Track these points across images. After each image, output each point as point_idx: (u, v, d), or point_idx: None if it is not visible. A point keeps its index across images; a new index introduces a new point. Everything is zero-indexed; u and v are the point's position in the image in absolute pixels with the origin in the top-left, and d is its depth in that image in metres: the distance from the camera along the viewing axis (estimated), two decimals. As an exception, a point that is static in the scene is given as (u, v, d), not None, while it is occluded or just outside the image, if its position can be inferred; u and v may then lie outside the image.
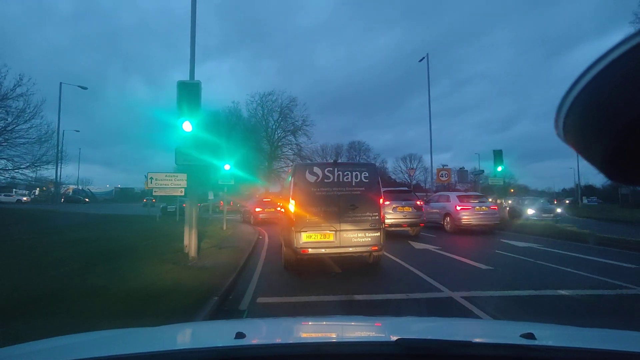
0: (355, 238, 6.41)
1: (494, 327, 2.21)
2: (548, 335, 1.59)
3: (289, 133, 47.55)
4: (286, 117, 46.79)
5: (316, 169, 6.63)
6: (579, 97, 0.49)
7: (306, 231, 6.32)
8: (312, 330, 1.88)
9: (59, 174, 24.82)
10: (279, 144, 48.42)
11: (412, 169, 27.49)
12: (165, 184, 15.00)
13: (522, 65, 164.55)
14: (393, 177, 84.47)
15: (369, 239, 6.46)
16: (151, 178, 14.71)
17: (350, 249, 6.43)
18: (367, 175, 6.70)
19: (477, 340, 1.44)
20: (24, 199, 48.56)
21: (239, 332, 1.32)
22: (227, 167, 13.77)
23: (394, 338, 1.20)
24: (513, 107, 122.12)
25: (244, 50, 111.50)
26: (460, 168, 28.55)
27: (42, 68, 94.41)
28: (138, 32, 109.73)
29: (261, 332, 1.80)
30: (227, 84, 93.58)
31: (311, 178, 6.54)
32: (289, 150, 48.83)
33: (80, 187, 59.55)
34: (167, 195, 16.34)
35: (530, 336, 1.29)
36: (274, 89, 50.31)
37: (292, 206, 6.43)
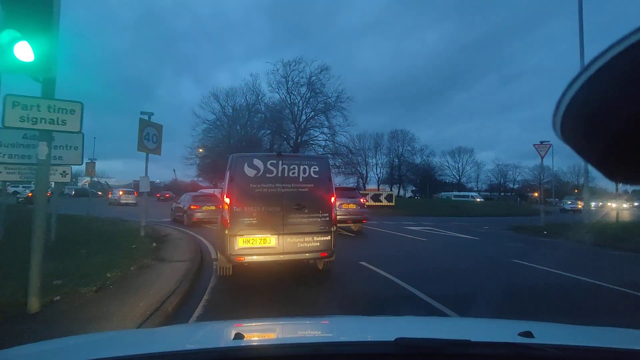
0: (302, 243, 5.61)
1: (492, 325, 2.03)
2: (546, 333, 1.54)
3: (320, 112, 38.36)
4: (316, 92, 37.60)
5: (257, 162, 5.66)
6: (576, 96, 0.49)
7: (242, 235, 5.42)
8: (310, 330, 1.85)
9: None
10: (308, 125, 39.48)
11: (546, 143, 17.02)
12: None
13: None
14: (439, 173, 74.57)
15: (318, 244, 5.67)
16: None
17: (295, 256, 5.63)
18: (317, 169, 5.88)
19: (476, 339, 1.31)
20: (47, 193, 46.56)
21: (237, 333, 1.32)
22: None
23: (393, 337, 1.18)
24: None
25: (291, 49, 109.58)
26: None
27: (104, 72, 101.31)
28: (192, 35, 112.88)
29: (260, 333, 1.77)
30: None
31: (250, 172, 5.59)
32: (320, 135, 39.77)
33: (96, 180, 60.36)
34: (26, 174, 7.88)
35: (528, 334, 1.30)
36: (302, 56, 41.28)
37: (226, 205, 5.49)
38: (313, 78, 36.81)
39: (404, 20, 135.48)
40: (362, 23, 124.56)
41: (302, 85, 37.55)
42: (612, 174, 0.55)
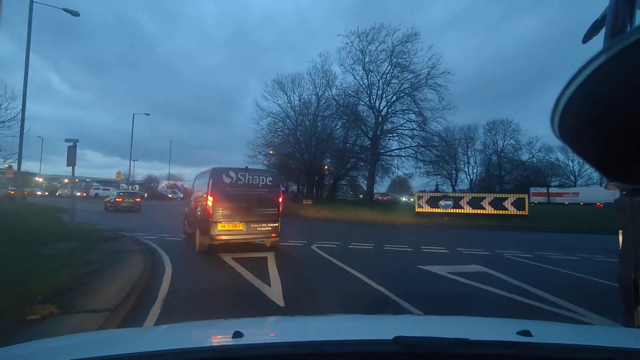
0: (260, 227, 8.36)
1: (491, 324, 1.99)
2: (545, 332, 1.52)
3: (405, 94, 29.86)
4: (402, 68, 29.22)
5: (231, 173, 8.30)
6: (574, 96, 0.49)
7: (221, 222, 8.00)
8: (310, 329, 1.81)
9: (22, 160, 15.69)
10: (390, 111, 31.26)
11: None
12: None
13: None
14: (550, 173, 59.94)
15: (270, 229, 8.48)
16: None
17: (255, 236, 8.46)
18: (271, 179, 8.73)
19: (474, 337, 1.27)
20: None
21: (236, 331, 1.31)
22: None
23: (391, 336, 1.18)
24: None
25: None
26: None
27: (200, 87, 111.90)
28: (276, 46, 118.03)
29: (259, 331, 1.76)
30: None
31: (227, 180, 8.22)
32: (407, 123, 31.18)
33: (173, 183, 63.97)
34: None
35: (526, 333, 1.30)
36: (383, 22, 33.18)
37: (210, 202, 8.02)
38: (397, 48, 28.56)
39: (495, 9, 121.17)
40: (447, 16, 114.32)
41: (382, 61, 29.52)
42: (612, 174, 0.54)
